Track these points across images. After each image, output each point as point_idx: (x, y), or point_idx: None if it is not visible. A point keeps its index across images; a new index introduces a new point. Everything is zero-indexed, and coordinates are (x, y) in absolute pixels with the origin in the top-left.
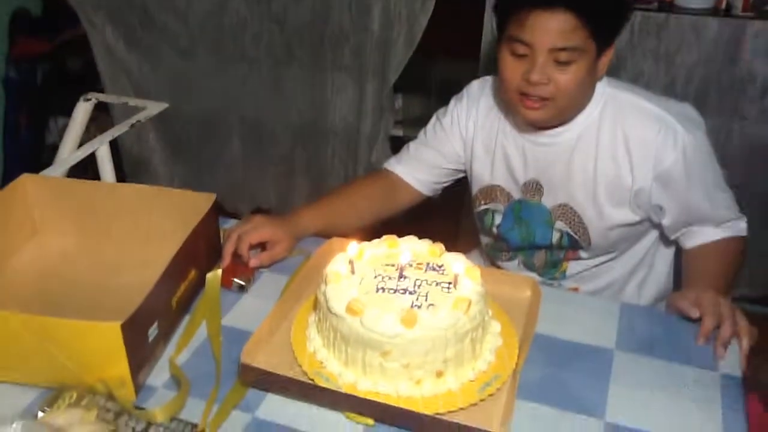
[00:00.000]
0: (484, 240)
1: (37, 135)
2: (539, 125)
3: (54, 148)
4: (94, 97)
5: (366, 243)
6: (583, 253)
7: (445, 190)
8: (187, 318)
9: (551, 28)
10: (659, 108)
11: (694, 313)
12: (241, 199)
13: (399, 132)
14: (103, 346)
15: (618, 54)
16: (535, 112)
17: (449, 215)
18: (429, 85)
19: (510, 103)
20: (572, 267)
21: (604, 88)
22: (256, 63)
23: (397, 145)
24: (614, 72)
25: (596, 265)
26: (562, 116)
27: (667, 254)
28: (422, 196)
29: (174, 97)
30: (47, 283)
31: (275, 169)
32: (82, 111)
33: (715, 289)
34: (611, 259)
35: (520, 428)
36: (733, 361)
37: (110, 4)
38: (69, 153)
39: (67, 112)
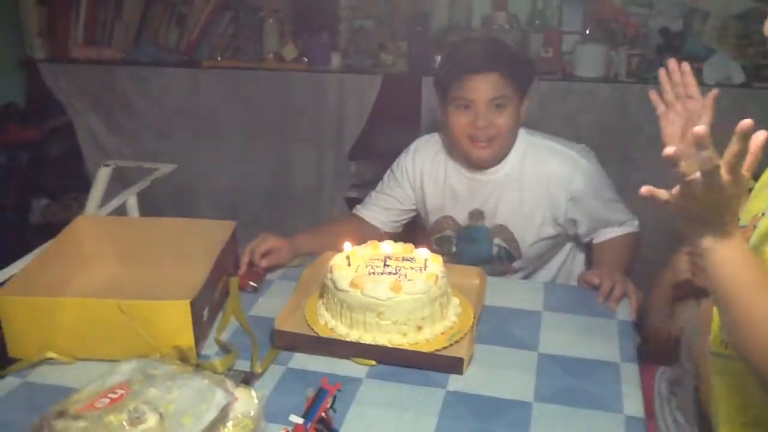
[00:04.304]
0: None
1: (22, 215)
2: (485, 163)
3: (37, 227)
4: (113, 163)
5: (356, 246)
6: (516, 265)
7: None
8: (220, 314)
9: (487, 85)
10: (565, 147)
11: (596, 281)
12: None
13: (354, 194)
14: (175, 320)
15: (533, 116)
16: (484, 150)
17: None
18: (379, 152)
19: (462, 148)
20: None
21: (524, 136)
22: (227, 138)
23: (352, 206)
24: (532, 129)
25: (527, 276)
26: (502, 152)
27: (580, 261)
28: (385, 233)
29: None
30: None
31: (245, 231)
32: (103, 175)
33: (615, 268)
34: (537, 269)
35: (478, 361)
36: (624, 313)
37: (93, 93)
38: (93, 211)
39: (49, 194)
